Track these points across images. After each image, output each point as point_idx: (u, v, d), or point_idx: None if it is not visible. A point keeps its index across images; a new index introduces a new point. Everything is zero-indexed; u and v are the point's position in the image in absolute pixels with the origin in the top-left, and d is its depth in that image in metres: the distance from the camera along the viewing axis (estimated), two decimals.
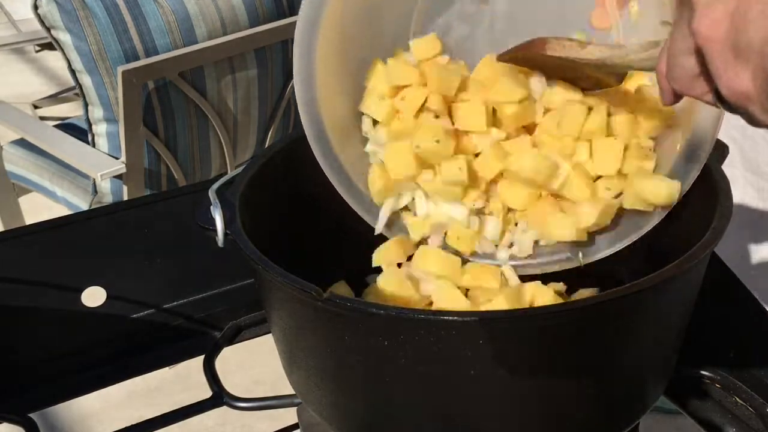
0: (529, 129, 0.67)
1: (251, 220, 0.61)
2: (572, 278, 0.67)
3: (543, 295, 0.63)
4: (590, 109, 0.64)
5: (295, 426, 0.76)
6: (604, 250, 0.65)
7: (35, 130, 1.92)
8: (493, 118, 0.66)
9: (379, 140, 0.68)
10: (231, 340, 0.78)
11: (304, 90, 0.66)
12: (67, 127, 2.05)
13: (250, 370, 1.95)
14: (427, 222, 0.67)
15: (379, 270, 0.68)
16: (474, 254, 0.67)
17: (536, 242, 0.67)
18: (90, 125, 1.81)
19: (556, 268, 0.67)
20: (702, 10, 0.40)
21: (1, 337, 0.73)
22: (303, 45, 0.65)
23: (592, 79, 0.63)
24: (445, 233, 0.67)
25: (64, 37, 1.65)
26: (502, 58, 0.64)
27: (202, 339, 0.80)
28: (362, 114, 0.69)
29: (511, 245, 0.67)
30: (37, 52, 4.11)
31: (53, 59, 3.99)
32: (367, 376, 0.55)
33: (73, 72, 1.72)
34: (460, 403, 0.53)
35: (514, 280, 0.66)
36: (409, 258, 0.68)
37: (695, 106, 0.61)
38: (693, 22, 0.41)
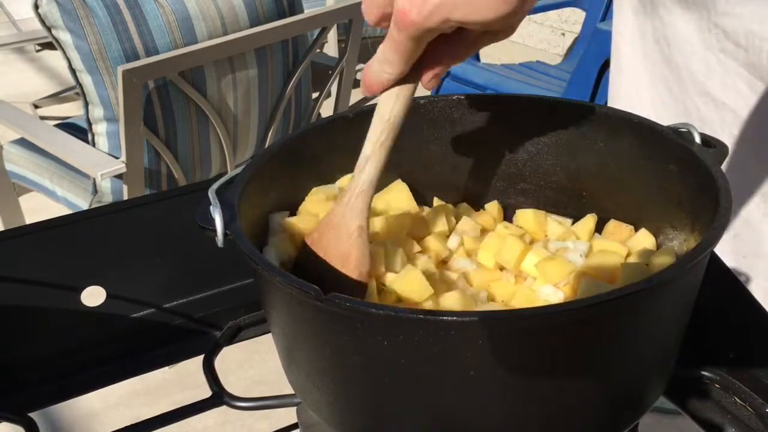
0: None
1: (251, 220, 0.61)
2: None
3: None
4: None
5: (295, 426, 0.76)
6: None
7: (35, 129, 1.92)
8: None
9: None
10: (231, 339, 0.78)
11: None
12: (68, 126, 2.05)
13: (250, 370, 1.95)
14: None
15: None
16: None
17: None
18: (90, 125, 1.81)
19: None
20: None
21: (0, 337, 0.74)
22: None
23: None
24: None
25: (65, 36, 1.65)
26: None
27: (202, 339, 0.80)
28: None
29: None
30: (37, 51, 4.12)
31: (54, 59, 4.00)
32: (366, 376, 0.55)
33: (73, 71, 1.72)
34: (460, 403, 0.53)
35: None
36: None
37: None
38: None
